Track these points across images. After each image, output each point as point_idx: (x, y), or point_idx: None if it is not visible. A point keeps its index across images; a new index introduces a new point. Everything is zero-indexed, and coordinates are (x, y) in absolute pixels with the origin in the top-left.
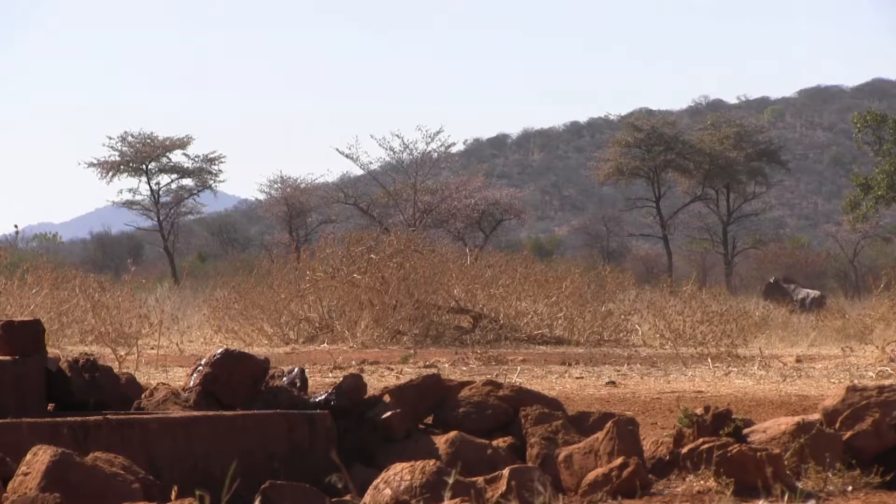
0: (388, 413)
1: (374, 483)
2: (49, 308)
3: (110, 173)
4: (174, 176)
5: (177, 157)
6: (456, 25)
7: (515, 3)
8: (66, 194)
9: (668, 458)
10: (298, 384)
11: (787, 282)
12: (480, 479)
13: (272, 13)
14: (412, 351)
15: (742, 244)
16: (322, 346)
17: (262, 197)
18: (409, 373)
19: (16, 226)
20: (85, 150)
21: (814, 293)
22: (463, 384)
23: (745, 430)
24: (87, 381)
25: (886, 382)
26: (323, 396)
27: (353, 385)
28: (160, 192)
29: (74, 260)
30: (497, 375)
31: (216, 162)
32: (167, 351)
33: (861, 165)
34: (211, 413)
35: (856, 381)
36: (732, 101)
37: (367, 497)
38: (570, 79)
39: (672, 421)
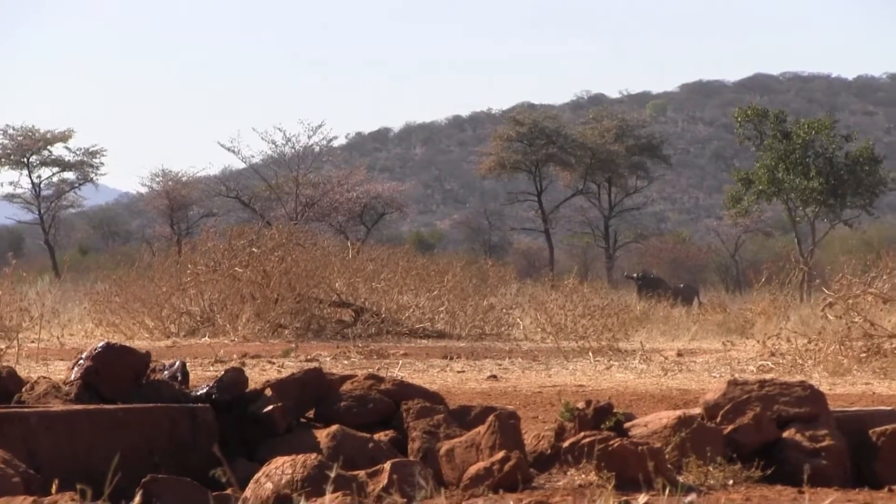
0: (270, 407)
1: (256, 477)
2: None
3: None
4: (55, 169)
5: (58, 150)
6: (331, 17)
7: None
8: None
9: (549, 452)
10: (180, 378)
11: (633, 276)
12: (362, 473)
13: (155, 5)
14: (294, 345)
15: (623, 238)
16: (203, 339)
17: (143, 190)
18: (291, 366)
19: None
20: None
21: (680, 286)
22: (345, 378)
23: (627, 424)
24: None
25: (767, 377)
26: (204, 390)
27: (234, 379)
28: (41, 186)
29: None
30: (379, 369)
31: (97, 155)
32: (48, 344)
33: (742, 160)
34: (92, 407)
35: (737, 376)
36: (614, 95)
37: (248, 491)
38: (452, 71)
39: (553, 415)
